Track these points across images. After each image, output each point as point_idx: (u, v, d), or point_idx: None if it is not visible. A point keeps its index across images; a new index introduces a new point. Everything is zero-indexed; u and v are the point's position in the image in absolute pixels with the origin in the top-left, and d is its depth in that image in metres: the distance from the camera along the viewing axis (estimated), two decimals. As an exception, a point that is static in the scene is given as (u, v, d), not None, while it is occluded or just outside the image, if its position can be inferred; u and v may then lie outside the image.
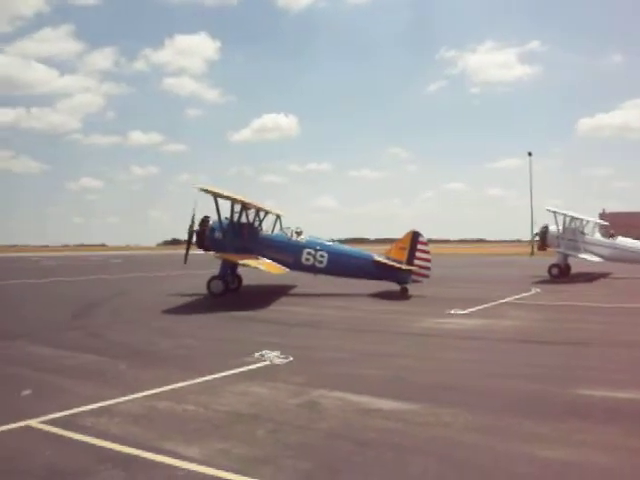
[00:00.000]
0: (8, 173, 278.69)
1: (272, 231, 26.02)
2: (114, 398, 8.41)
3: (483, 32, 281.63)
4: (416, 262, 24.59)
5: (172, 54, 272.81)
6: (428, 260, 24.87)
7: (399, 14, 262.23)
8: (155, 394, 8.72)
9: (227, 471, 5.69)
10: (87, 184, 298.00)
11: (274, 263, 23.91)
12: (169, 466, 5.88)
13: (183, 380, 9.51)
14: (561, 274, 33.54)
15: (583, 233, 34.28)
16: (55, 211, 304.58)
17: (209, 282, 23.58)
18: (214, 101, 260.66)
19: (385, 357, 11.69)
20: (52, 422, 7.31)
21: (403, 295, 24.36)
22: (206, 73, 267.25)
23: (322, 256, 24.81)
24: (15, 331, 15.11)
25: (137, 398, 8.50)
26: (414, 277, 24.84)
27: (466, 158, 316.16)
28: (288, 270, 24.49)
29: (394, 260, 24.73)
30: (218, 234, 24.41)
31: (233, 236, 24.18)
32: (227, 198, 23.72)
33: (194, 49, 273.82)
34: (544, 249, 36.44)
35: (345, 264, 25.01)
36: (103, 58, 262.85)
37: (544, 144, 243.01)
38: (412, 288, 24.54)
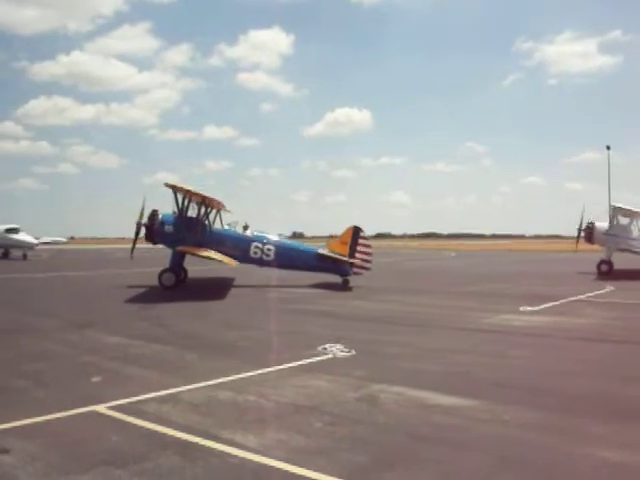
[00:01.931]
0: (88, 168, 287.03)
1: (221, 225, 26.68)
2: (177, 387, 8.66)
3: (561, 22, 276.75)
4: (357, 256, 26.14)
5: (246, 49, 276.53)
6: (369, 254, 26.55)
7: (474, 5, 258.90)
8: (217, 384, 8.91)
9: (281, 461, 5.77)
10: (163, 178, 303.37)
11: (223, 255, 24.50)
12: (225, 454, 6.01)
13: (245, 371, 9.69)
14: (610, 271, 32.65)
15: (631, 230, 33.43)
16: (132, 205, 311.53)
17: (160, 275, 24.10)
18: (287, 95, 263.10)
19: (449, 353, 11.58)
20: (118, 408, 7.58)
21: (345, 287, 25.50)
22: (280, 67, 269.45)
23: (269, 249, 25.84)
24: (87, 320, 15.66)
25: (200, 387, 8.70)
26: (355, 270, 26.30)
27: (543, 152, 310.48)
28: (237, 263, 25.29)
29: (337, 254, 26.07)
30: (168, 228, 24.80)
31: (185, 230, 24.67)
32: (186, 193, 24.41)
33: (268, 44, 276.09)
34: (591, 244, 35.56)
35: (291, 257, 26.14)
36: (179, 54, 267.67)
37: (624, 138, 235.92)
38: (481, 284, 24.25)
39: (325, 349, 11.52)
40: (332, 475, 5.45)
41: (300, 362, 10.47)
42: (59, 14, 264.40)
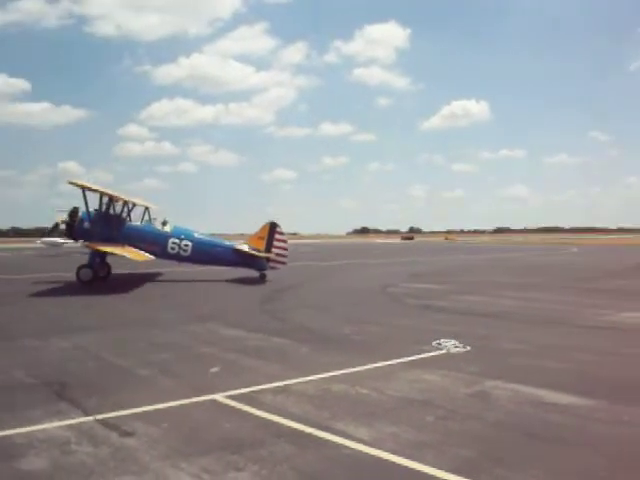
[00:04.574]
0: (208, 166, 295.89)
1: (141, 222, 26.92)
2: (293, 378, 8.89)
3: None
4: (274, 251, 27.18)
5: (362, 44, 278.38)
6: (285, 249, 27.66)
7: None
8: (332, 376, 9.07)
9: (392, 453, 5.84)
10: (280, 175, 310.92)
11: (139, 251, 24.77)
12: (337, 445, 6.15)
13: (360, 365, 9.81)
14: None
15: None
16: (250, 201, 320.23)
17: (78, 270, 24.30)
18: (403, 89, 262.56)
19: (566, 350, 11.27)
20: (235, 397, 7.88)
21: (262, 281, 26.31)
22: (396, 62, 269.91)
23: (186, 245, 26.32)
24: (208, 314, 16.32)
25: (314, 380, 8.89)
26: (272, 264, 27.43)
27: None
28: (154, 258, 25.58)
29: (253, 249, 27.00)
30: (87, 224, 25.08)
31: (101, 226, 24.98)
32: (95, 191, 24.66)
33: (384, 38, 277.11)
34: None
35: (208, 253, 26.83)
36: (295, 53, 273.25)
37: None
38: (603, 281, 23.39)
39: (439, 344, 11.48)
40: (441, 469, 5.47)
41: (414, 357, 10.49)
42: (179, 19, 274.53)
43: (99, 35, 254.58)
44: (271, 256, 27.18)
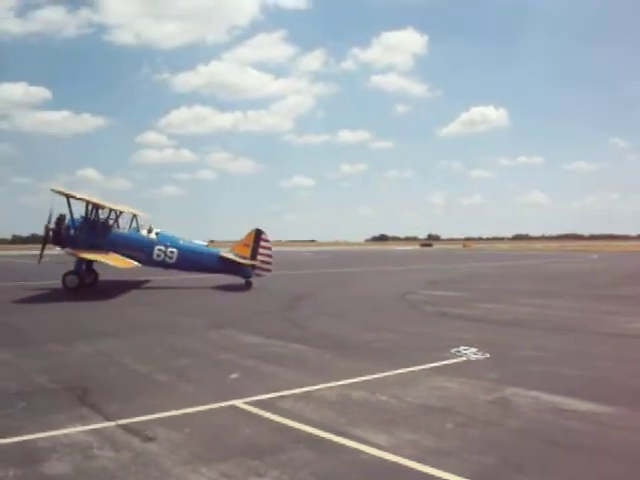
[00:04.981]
0: (226, 173, 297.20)
1: (129, 229, 27.01)
2: (313, 385, 8.91)
3: None
4: (259, 258, 27.23)
5: (380, 51, 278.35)
6: (269, 256, 27.65)
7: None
8: (352, 383, 9.08)
9: (411, 460, 5.85)
10: (299, 182, 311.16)
11: (123, 258, 24.78)
12: (356, 450, 6.16)
13: (379, 372, 9.82)
14: None
15: None
16: (268, 208, 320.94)
17: (64, 277, 24.38)
18: (421, 96, 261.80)
19: (587, 358, 11.21)
20: (254, 403, 7.91)
21: (247, 287, 26.48)
22: (413, 68, 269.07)
23: (172, 252, 26.40)
24: (224, 321, 16.35)
25: (334, 386, 8.90)
26: (257, 271, 27.41)
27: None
28: (139, 265, 25.55)
29: (239, 256, 27.08)
30: (72, 232, 25.25)
31: (86, 233, 25.14)
32: (79, 199, 24.81)
33: (401, 45, 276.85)
34: None
35: (193, 260, 26.87)
36: (313, 60, 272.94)
37: None
38: (623, 287, 23.21)
39: (459, 351, 11.46)
40: (462, 476, 5.46)
41: (433, 364, 10.48)
42: (197, 27, 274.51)
43: (118, 44, 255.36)
44: (256, 263, 27.27)
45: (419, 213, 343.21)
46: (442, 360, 10.79)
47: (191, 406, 7.76)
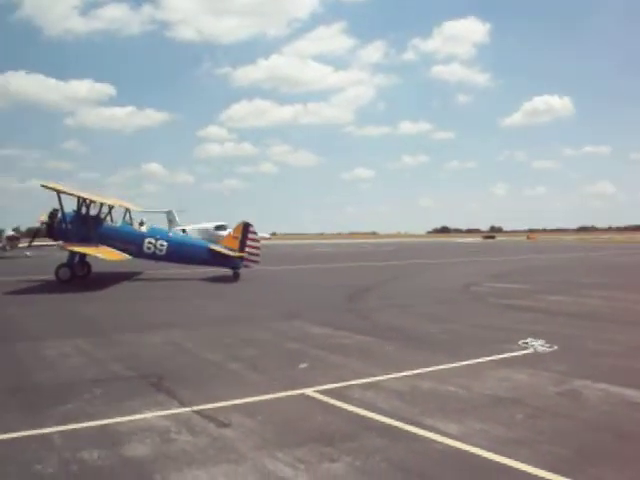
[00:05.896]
0: (287, 166, 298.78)
1: (122, 222, 27.42)
2: (381, 375, 9.01)
3: None
4: (247, 250, 27.76)
5: (441, 41, 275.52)
6: (257, 248, 28.27)
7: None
8: (419, 374, 9.16)
9: (484, 449, 5.89)
10: (360, 174, 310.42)
11: (114, 250, 25.21)
12: (428, 439, 6.24)
13: (447, 363, 9.87)
14: None
15: None
16: (330, 201, 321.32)
17: (57, 269, 24.87)
18: (483, 86, 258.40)
19: (658, 351, 11.05)
20: (324, 392, 8.06)
21: (235, 279, 27.14)
22: (476, 58, 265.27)
23: (162, 245, 27.04)
24: (291, 312, 16.56)
25: (402, 377, 8.98)
26: (245, 263, 27.96)
27: None
28: (130, 257, 26.32)
29: (227, 248, 27.74)
30: (64, 225, 25.56)
31: (77, 227, 25.49)
32: (69, 194, 25.21)
33: (463, 34, 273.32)
34: None
35: (183, 252, 27.57)
36: (374, 51, 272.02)
37: None
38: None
39: (526, 343, 11.40)
40: (535, 466, 5.48)
41: (500, 355, 10.46)
42: (258, 21, 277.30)
43: (180, 39, 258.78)
44: (244, 255, 27.73)
45: (481, 205, 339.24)
46: (509, 352, 10.75)
47: (263, 394, 7.97)
